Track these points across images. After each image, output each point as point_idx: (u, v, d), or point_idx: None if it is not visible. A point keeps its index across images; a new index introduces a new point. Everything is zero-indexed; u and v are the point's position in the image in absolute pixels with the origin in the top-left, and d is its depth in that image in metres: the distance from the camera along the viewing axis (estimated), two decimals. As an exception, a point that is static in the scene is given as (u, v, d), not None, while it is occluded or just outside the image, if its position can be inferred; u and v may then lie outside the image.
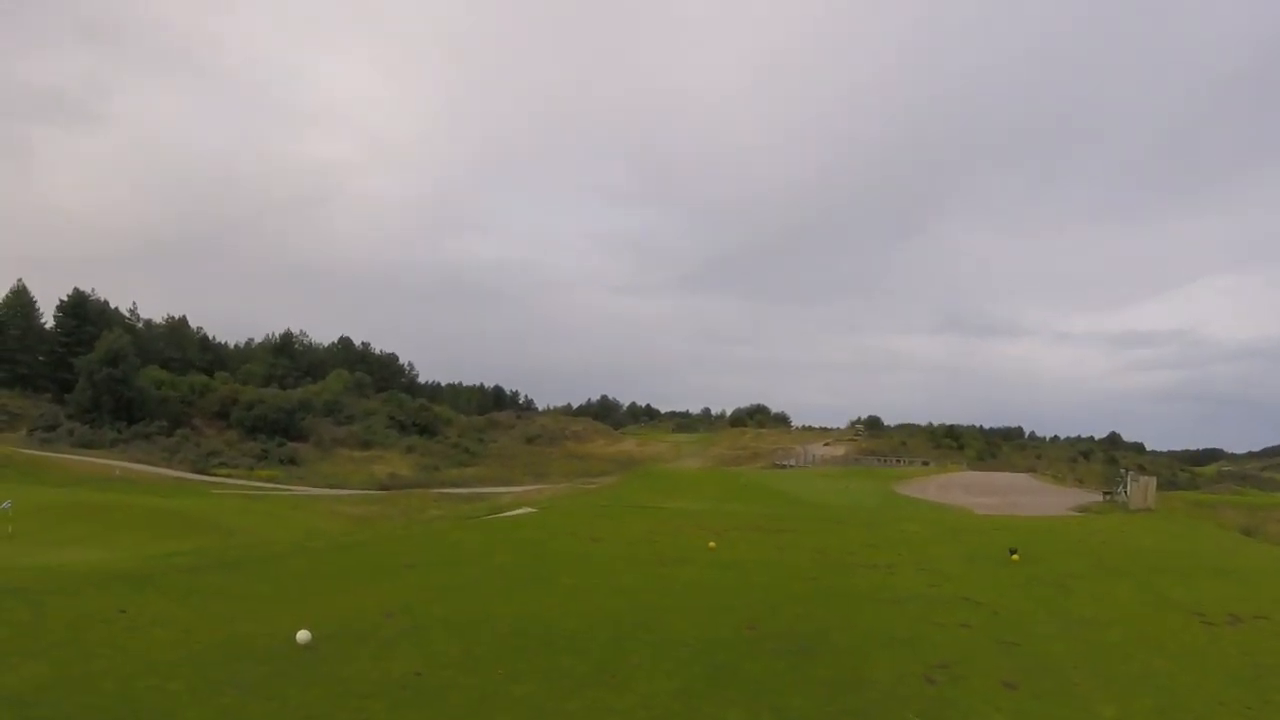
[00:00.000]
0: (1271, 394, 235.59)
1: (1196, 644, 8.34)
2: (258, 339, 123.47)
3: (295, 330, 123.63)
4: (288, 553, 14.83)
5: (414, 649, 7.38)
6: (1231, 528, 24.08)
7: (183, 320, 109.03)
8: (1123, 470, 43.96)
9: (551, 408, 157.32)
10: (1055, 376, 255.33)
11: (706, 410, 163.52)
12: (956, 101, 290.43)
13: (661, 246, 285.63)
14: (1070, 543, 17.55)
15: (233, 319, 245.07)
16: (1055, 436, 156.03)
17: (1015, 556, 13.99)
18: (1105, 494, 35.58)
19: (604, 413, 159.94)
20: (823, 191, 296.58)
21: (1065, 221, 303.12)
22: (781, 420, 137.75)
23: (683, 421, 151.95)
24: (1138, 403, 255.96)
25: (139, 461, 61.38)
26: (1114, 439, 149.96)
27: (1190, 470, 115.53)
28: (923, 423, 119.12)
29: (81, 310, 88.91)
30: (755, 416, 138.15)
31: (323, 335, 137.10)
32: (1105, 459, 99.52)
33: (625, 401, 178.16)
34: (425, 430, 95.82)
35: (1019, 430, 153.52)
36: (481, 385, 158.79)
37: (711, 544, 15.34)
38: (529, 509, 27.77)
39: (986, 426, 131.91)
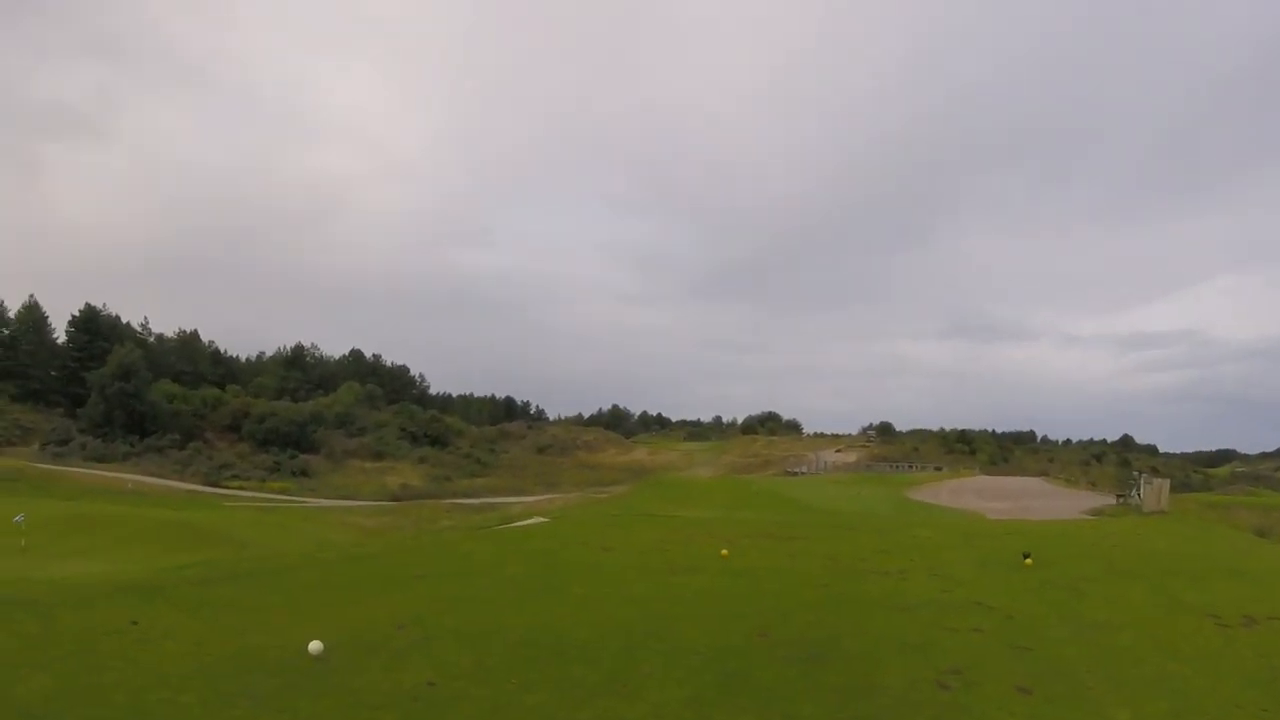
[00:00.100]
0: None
1: (1211, 646, 8.28)
2: (269, 352, 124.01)
3: (306, 343, 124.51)
4: (299, 564, 14.85)
5: (425, 660, 7.38)
6: (1245, 529, 23.87)
7: (194, 334, 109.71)
8: (1136, 472, 43.64)
9: (562, 418, 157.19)
10: (1065, 379, 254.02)
11: (718, 418, 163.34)
12: (958, 105, 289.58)
13: (669, 255, 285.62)
14: (1083, 546, 17.41)
15: (244, 332, 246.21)
16: (1067, 440, 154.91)
17: (1028, 560, 13.90)
18: (1118, 497, 35.25)
19: (615, 422, 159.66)
20: (828, 199, 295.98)
21: (1069, 223, 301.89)
22: (793, 427, 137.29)
23: (694, 430, 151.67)
24: (1148, 404, 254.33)
25: (151, 475, 61.71)
26: (1126, 441, 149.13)
27: (1203, 472, 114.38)
28: (934, 428, 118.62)
29: (93, 325, 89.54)
30: (766, 424, 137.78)
31: (334, 348, 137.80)
32: (1118, 461, 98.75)
33: (636, 411, 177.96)
34: (437, 441, 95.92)
35: (1031, 434, 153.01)
36: (492, 396, 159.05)
37: (724, 552, 15.28)
38: (541, 519, 27.74)
39: (998, 431, 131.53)
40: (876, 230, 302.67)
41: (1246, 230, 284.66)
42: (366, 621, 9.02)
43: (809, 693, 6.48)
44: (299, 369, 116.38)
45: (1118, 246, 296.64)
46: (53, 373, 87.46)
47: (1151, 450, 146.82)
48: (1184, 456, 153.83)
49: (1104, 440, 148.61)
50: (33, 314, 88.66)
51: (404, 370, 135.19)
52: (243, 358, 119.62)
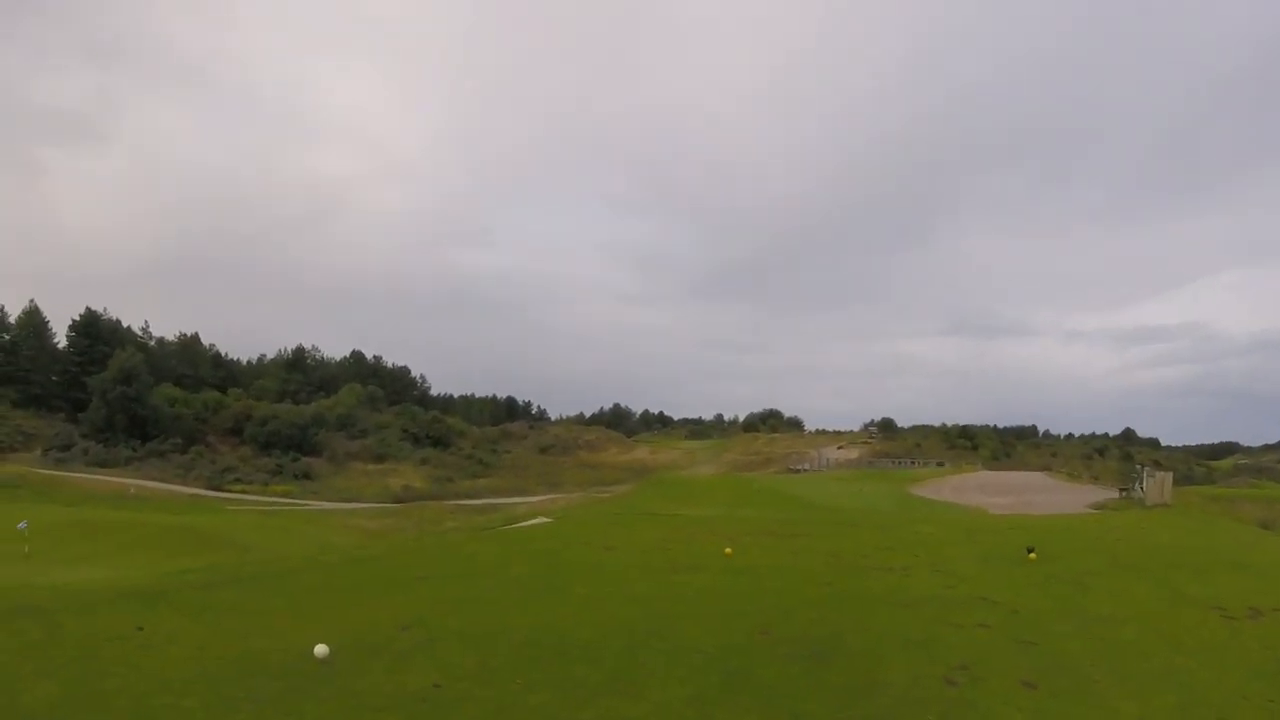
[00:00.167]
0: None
1: (1216, 639, 8.26)
2: (270, 355, 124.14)
3: (307, 345, 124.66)
4: (302, 567, 14.85)
5: (429, 661, 7.37)
6: (1249, 521, 23.88)
7: (195, 337, 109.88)
8: (1138, 466, 43.61)
9: (564, 417, 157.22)
10: (1067, 374, 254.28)
11: (719, 416, 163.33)
12: (958, 105, 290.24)
13: (669, 255, 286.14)
14: (1087, 540, 17.39)
15: (245, 335, 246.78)
16: (1069, 434, 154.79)
17: (1032, 555, 13.89)
18: (1121, 490, 35.28)
19: (617, 421, 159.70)
20: (828, 198, 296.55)
21: (1070, 221, 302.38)
22: (795, 425, 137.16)
23: (696, 428, 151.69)
24: (1151, 398, 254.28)
25: (153, 479, 61.74)
26: (1129, 435, 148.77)
27: (1206, 464, 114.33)
28: (936, 424, 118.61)
29: (94, 329, 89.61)
30: (768, 421, 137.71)
31: (334, 350, 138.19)
32: (1120, 455, 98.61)
33: (637, 410, 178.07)
34: (439, 442, 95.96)
35: (1033, 429, 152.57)
36: (494, 396, 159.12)
37: (728, 550, 15.27)
38: (543, 519, 27.76)
39: (1000, 426, 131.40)
40: (877, 230, 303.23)
41: (1247, 229, 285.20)
42: (370, 624, 9.01)
43: (813, 691, 6.47)
44: (300, 371, 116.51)
45: (1118, 246, 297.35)
46: (54, 378, 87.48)
47: (1154, 444, 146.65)
48: (1186, 449, 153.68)
49: (1106, 434, 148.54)
50: (33, 319, 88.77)
51: (405, 371, 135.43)
52: (244, 360, 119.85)
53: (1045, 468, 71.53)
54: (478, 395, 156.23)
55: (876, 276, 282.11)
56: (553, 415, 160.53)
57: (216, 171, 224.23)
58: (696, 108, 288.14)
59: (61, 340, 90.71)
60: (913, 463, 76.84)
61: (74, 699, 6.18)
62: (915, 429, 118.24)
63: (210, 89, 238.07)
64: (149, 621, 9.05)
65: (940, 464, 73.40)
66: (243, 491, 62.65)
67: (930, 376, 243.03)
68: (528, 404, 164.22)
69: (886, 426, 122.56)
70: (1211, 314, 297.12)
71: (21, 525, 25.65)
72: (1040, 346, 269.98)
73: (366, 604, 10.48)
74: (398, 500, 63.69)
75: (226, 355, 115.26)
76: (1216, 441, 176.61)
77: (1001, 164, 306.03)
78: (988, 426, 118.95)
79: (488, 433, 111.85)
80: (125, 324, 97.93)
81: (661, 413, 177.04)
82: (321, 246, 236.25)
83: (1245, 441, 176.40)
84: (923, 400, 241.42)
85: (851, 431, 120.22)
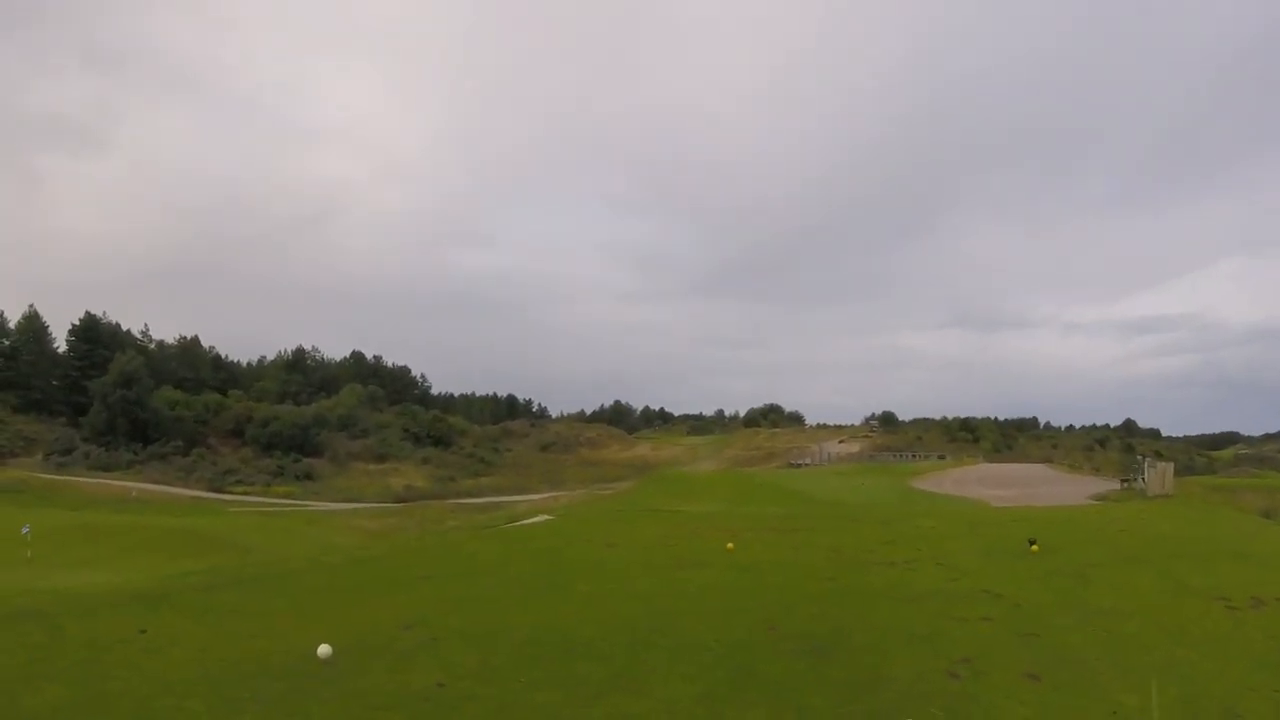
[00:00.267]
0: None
1: (1219, 629, 8.26)
2: (270, 356, 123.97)
3: (307, 346, 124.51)
4: (304, 568, 14.85)
5: (432, 661, 7.37)
6: (1251, 511, 23.86)
7: (195, 340, 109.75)
8: (1140, 457, 43.64)
9: (565, 415, 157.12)
10: (1067, 366, 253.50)
11: (720, 412, 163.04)
12: (958, 104, 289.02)
13: (669, 255, 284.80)
14: (1089, 532, 17.40)
15: (245, 337, 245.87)
16: (1070, 426, 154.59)
17: (1034, 548, 13.89)
18: (1123, 481, 35.27)
19: (618, 418, 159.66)
20: (828, 194, 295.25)
21: (1069, 214, 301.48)
22: (795, 419, 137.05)
23: (696, 424, 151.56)
24: (1151, 389, 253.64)
25: (155, 482, 61.78)
26: (1129, 426, 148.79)
27: (1207, 455, 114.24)
28: (937, 417, 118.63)
29: (93, 333, 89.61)
30: (769, 416, 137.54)
31: (335, 350, 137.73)
32: (1121, 446, 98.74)
33: (638, 407, 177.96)
34: (440, 441, 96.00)
35: (1034, 421, 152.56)
36: (494, 395, 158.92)
37: (730, 545, 15.29)
38: (545, 517, 27.78)
39: (1001, 418, 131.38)
40: (877, 228, 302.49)
41: (1249, 216, 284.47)
42: (372, 624, 9.01)
43: (818, 686, 6.47)
44: (300, 372, 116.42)
45: (1118, 237, 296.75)
46: (54, 382, 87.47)
47: (1155, 434, 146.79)
48: (1187, 440, 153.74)
49: (1107, 425, 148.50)
50: (33, 324, 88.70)
51: (405, 371, 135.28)
52: (244, 362, 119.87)
53: (1046, 460, 71.66)
54: (478, 394, 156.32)
55: (877, 273, 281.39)
56: (554, 413, 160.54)
57: (216, 173, 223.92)
58: (696, 108, 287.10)
59: (62, 345, 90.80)
60: (914, 456, 76.77)
61: (77, 702, 6.17)
62: (916, 422, 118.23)
63: (209, 91, 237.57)
64: (152, 624, 9.05)
65: (941, 457, 73.35)
66: (244, 493, 62.72)
67: (931, 370, 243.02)
68: (528, 402, 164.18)
69: (887, 420, 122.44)
70: (1211, 304, 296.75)
71: (24, 529, 25.67)
72: (1041, 338, 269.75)
73: (369, 604, 10.48)
74: (399, 500, 63.74)
75: (227, 357, 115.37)
76: (1217, 431, 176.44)
77: (1002, 161, 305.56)
78: (989, 419, 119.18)
79: (489, 431, 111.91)
80: (125, 327, 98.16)
81: (662, 409, 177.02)
82: (321, 247, 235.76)
83: (1246, 431, 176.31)
84: (923, 394, 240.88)
85: (852, 425, 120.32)
